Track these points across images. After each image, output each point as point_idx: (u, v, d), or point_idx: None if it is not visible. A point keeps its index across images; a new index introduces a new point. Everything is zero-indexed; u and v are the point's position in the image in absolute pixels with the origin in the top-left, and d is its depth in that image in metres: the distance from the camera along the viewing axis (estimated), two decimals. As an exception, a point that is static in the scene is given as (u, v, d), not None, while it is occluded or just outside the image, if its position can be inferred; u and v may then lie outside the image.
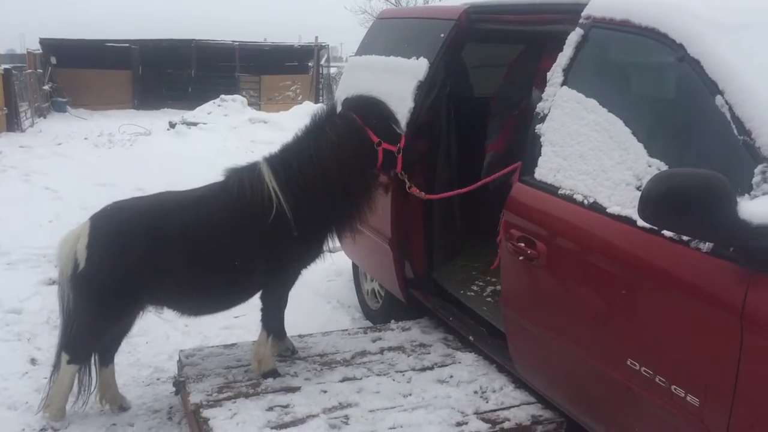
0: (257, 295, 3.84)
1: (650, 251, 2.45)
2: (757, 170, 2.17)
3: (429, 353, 4.02)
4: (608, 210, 2.64)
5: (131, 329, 3.87)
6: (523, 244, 3.08)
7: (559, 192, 2.93)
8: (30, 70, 20.13)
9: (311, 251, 3.81)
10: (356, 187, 3.69)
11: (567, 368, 3.03)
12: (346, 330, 4.55)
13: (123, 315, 3.65)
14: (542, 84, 3.25)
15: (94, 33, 24.69)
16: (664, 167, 2.47)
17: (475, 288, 4.38)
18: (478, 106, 4.46)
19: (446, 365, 3.87)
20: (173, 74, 24.59)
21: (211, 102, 17.54)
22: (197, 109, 17.40)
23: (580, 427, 3.08)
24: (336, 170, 3.57)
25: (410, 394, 3.51)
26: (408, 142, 3.81)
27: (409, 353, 4.02)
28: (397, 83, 4.28)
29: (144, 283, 3.52)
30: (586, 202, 2.77)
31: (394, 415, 3.30)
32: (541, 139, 3.11)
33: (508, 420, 3.31)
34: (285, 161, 3.63)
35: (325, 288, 6.05)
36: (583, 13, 3.09)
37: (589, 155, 2.82)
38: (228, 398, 3.48)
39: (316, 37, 25.42)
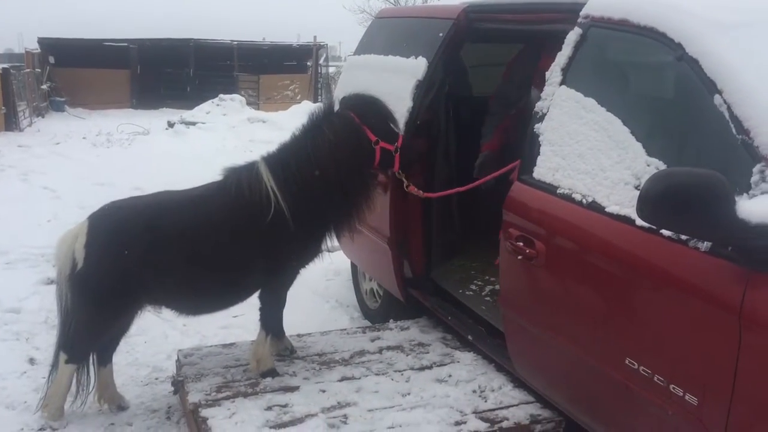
0: (256, 295, 3.84)
1: (649, 250, 2.45)
2: (755, 169, 2.17)
3: (428, 352, 4.02)
4: (607, 209, 2.64)
5: (129, 329, 3.88)
6: (521, 244, 3.08)
7: (558, 191, 2.93)
8: (28, 70, 20.11)
9: (310, 250, 3.81)
10: (354, 186, 3.69)
11: (566, 367, 3.03)
12: (345, 329, 4.55)
13: (121, 314, 3.65)
14: (541, 83, 3.25)
15: (93, 32, 24.68)
16: (662, 166, 2.47)
17: (473, 287, 4.38)
18: (476, 106, 4.46)
19: (445, 364, 3.87)
20: (172, 74, 24.54)
21: (209, 101, 17.51)
22: (196, 108, 17.38)
23: (578, 427, 3.08)
24: (334, 169, 3.57)
25: (409, 394, 3.51)
26: (406, 141, 3.81)
27: (407, 353, 4.02)
28: (396, 82, 4.28)
29: (142, 282, 3.52)
30: (584, 201, 2.77)
31: (392, 415, 3.30)
32: (540, 139, 3.11)
33: (507, 419, 3.31)
34: (283, 160, 3.63)
35: (324, 287, 6.05)
36: (582, 13, 3.09)
37: (587, 154, 2.82)
38: (227, 398, 3.48)
39: (315, 37, 25.42)
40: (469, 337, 3.93)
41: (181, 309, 3.78)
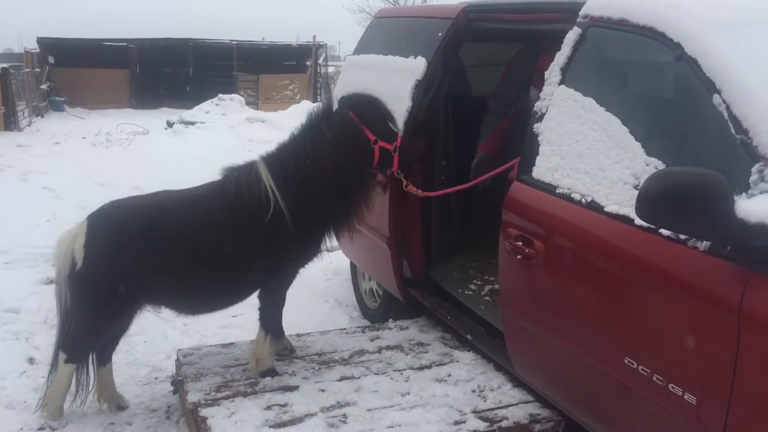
0: (255, 294, 3.84)
1: (648, 250, 2.45)
2: (754, 169, 2.17)
3: (427, 352, 4.02)
4: (606, 209, 2.64)
5: (129, 328, 3.88)
6: (521, 243, 3.08)
7: (557, 191, 2.93)
8: (27, 69, 20.11)
9: (309, 250, 3.81)
10: (353, 186, 3.69)
11: (565, 367, 3.03)
12: (344, 329, 4.55)
13: (120, 314, 3.65)
14: (540, 83, 3.25)
15: (92, 32, 24.72)
16: (661, 166, 2.48)
17: (473, 287, 4.39)
18: (475, 105, 4.45)
19: (444, 364, 3.87)
20: (171, 73, 24.54)
21: (208, 101, 17.52)
22: (195, 108, 17.38)
23: (578, 426, 3.08)
24: (332, 168, 3.57)
25: (408, 393, 3.51)
26: (404, 141, 3.81)
27: (407, 352, 4.02)
28: (395, 82, 4.28)
29: (141, 282, 3.52)
30: (583, 201, 2.77)
31: (392, 414, 3.30)
32: (539, 138, 3.11)
33: (506, 418, 3.31)
34: (282, 160, 3.63)
35: (323, 287, 6.05)
36: (581, 12, 3.09)
37: (586, 154, 2.83)
38: (226, 397, 3.48)
39: (314, 36, 25.43)
40: (469, 337, 3.93)
41: (181, 308, 3.78)
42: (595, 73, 3.09)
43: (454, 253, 4.83)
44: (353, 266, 5.65)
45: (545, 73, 3.20)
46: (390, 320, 4.58)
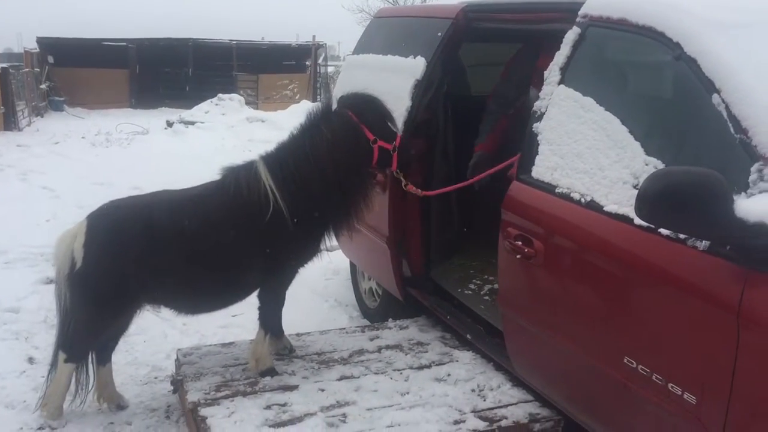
0: (255, 294, 3.84)
1: (647, 249, 2.45)
2: (753, 168, 2.18)
3: (426, 352, 4.02)
4: (605, 208, 2.64)
5: (128, 328, 3.88)
6: (520, 243, 3.09)
7: (557, 190, 2.93)
8: (27, 69, 20.09)
9: (308, 249, 3.80)
10: (352, 185, 3.69)
11: (564, 366, 3.04)
12: (344, 328, 4.55)
13: (120, 314, 3.65)
14: (539, 82, 3.26)
15: (92, 32, 24.69)
16: (660, 165, 2.48)
17: (472, 286, 4.39)
18: (475, 105, 4.46)
19: (444, 363, 3.87)
20: (171, 73, 24.53)
21: (208, 101, 17.51)
22: (195, 108, 17.37)
23: (577, 425, 3.08)
24: (332, 168, 3.57)
25: (408, 393, 3.51)
26: (404, 140, 3.81)
27: (406, 352, 4.02)
28: (395, 82, 4.28)
29: (141, 281, 3.52)
30: (583, 200, 2.77)
31: (391, 414, 3.30)
32: (539, 138, 3.11)
33: (506, 418, 3.31)
34: (281, 159, 3.63)
35: (323, 287, 6.05)
36: (580, 12, 3.09)
37: (586, 154, 2.83)
38: (226, 397, 3.49)
39: (314, 36, 25.43)
40: (468, 336, 3.93)
41: (180, 308, 3.78)
42: (595, 73, 3.09)
43: (454, 253, 4.83)
44: (353, 266, 5.65)
45: (545, 72, 3.20)
46: (389, 320, 4.58)
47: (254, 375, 3.71)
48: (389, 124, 3.79)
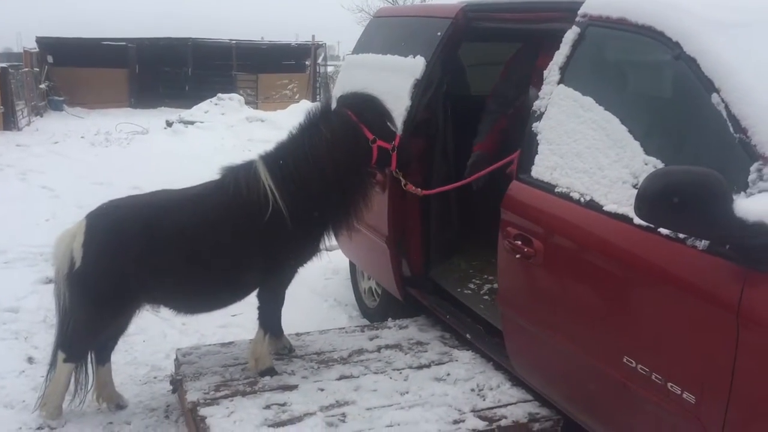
0: (254, 294, 3.84)
1: (646, 249, 2.45)
2: (753, 168, 2.18)
3: (426, 351, 4.02)
4: (605, 208, 2.64)
5: (128, 328, 3.88)
6: (520, 242, 3.08)
7: (556, 190, 2.93)
8: (26, 69, 20.09)
9: (308, 249, 3.80)
10: (352, 184, 3.69)
11: (564, 366, 3.03)
12: (344, 328, 4.55)
13: (119, 313, 3.65)
14: (539, 82, 3.26)
15: (91, 32, 24.68)
16: (660, 165, 2.48)
17: (472, 286, 4.39)
18: (474, 105, 4.45)
19: (443, 363, 3.87)
20: (170, 73, 24.53)
21: (208, 101, 17.51)
22: (194, 107, 17.37)
23: (576, 425, 3.08)
24: (331, 167, 3.57)
25: (407, 392, 3.51)
26: (403, 140, 3.81)
27: (406, 351, 4.02)
28: (394, 81, 4.28)
29: (140, 281, 3.52)
30: (582, 200, 2.77)
31: (391, 413, 3.30)
32: (538, 137, 3.11)
33: (505, 417, 3.31)
34: (280, 159, 3.62)
35: (323, 286, 6.05)
36: (580, 12, 3.09)
37: (585, 153, 2.83)
38: (225, 396, 3.48)
39: (313, 36, 25.43)
40: (468, 336, 3.93)
41: (180, 308, 3.78)
42: (594, 73, 3.09)
43: (454, 253, 4.83)
44: (352, 265, 5.65)
45: (544, 72, 3.20)
46: (389, 319, 4.58)
47: (254, 375, 3.71)
48: (388, 123, 3.79)
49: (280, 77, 24.70)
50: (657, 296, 2.44)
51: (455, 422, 3.25)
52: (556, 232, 2.94)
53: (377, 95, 3.83)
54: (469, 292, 4.31)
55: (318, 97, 23.75)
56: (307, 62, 25.70)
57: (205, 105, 17.30)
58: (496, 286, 3.84)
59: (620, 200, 2.59)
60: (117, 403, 3.87)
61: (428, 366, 3.83)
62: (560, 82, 3.09)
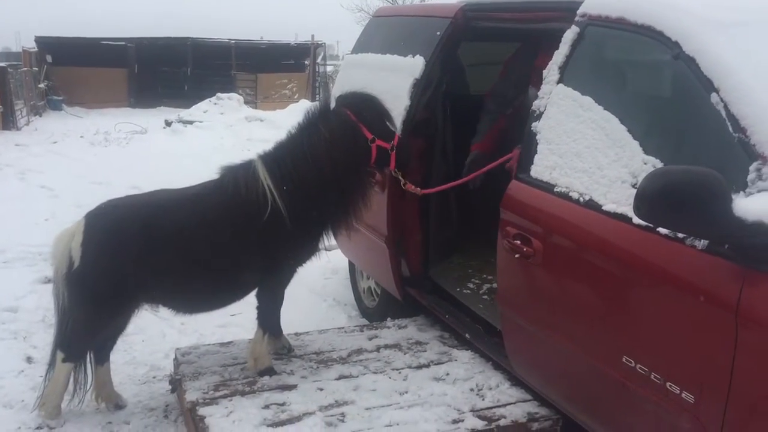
0: (253, 293, 3.84)
1: (646, 248, 2.45)
2: (752, 167, 2.18)
3: (425, 351, 4.02)
4: (604, 207, 2.64)
5: (127, 327, 3.87)
6: (519, 242, 3.08)
7: (555, 189, 2.93)
8: (25, 68, 20.08)
9: (307, 249, 3.80)
10: (350, 184, 3.69)
11: (563, 365, 3.03)
12: (343, 328, 4.55)
13: (118, 313, 3.65)
14: (538, 82, 3.26)
15: (90, 31, 24.69)
16: (659, 164, 2.48)
17: (471, 286, 4.39)
18: (474, 104, 4.46)
19: (442, 363, 3.87)
20: (169, 72, 24.52)
21: (207, 100, 17.49)
22: (193, 107, 17.36)
23: (576, 425, 3.08)
24: (330, 167, 3.56)
25: (406, 392, 3.51)
26: (402, 140, 3.80)
27: (405, 351, 4.02)
28: (394, 81, 4.28)
29: (139, 281, 3.51)
30: (581, 199, 2.77)
31: (390, 413, 3.30)
32: (537, 137, 3.11)
33: (504, 417, 3.31)
34: (279, 158, 3.62)
35: (322, 286, 6.05)
36: (579, 11, 3.09)
37: (584, 153, 2.83)
38: (224, 396, 3.48)
39: (313, 36, 25.44)
40: (467, 336, 3.93)
41: (179, 307, 3.78)
42: (594, 72, 3.09)
43: (453, 252, 4.83)
44: (351, 265, 5.65)
45: (543, 71, 3.20)
46: (388, 319, 4.58)
47: (253, 374, 3.71)
48: (387, 123, 3.79)
49: (279, 77, 24.69)
50: (656, 296, 2.44)
51: (454, 422, 3.25)
52: (556, 231, 2.94)
53: (376, 95, 3.83)
54: (468, 291, 4.31)
55: (317, 96, 23.75)
56: (306, 62, 25.70)
57: (204, 105, 17.29)
58: (495, 285, 3.84)
59: (619, 200, 2.59)
60: (116, 403, 3.86)
61: (427, 366, 3.83)
62: (559, 81, 3.09)
